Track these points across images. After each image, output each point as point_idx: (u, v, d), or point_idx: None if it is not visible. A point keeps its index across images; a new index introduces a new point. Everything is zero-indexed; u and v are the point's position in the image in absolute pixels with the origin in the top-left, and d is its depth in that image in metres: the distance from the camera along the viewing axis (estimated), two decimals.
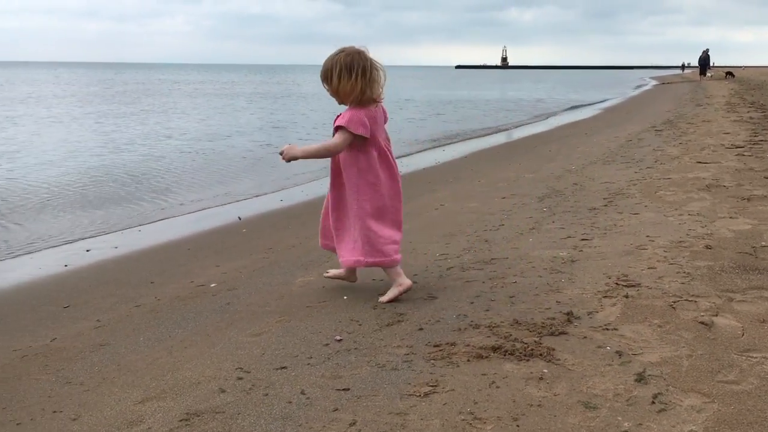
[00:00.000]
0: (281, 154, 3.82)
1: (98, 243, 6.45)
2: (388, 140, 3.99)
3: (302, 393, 2.75)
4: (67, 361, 3.31)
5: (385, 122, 3.97)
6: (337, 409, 2.59)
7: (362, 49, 3.76)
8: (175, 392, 2.84)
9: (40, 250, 6.26)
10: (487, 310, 3.62)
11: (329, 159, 3.95)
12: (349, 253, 3.94)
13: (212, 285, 4.65)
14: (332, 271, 4.40)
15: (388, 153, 3.93)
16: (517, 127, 20.20)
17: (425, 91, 47.05)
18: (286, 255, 5.50)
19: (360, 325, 3.56)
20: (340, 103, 3.87)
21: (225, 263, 5.34)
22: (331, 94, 3.83)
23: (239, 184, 9.99)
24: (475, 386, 2.71)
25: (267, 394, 2.76)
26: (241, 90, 46.66)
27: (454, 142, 15.86)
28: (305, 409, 2.61)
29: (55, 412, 2.73)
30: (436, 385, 2.74)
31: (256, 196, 9.10)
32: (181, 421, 2.57)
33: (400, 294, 3.92)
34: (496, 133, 18.45)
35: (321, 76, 3.80)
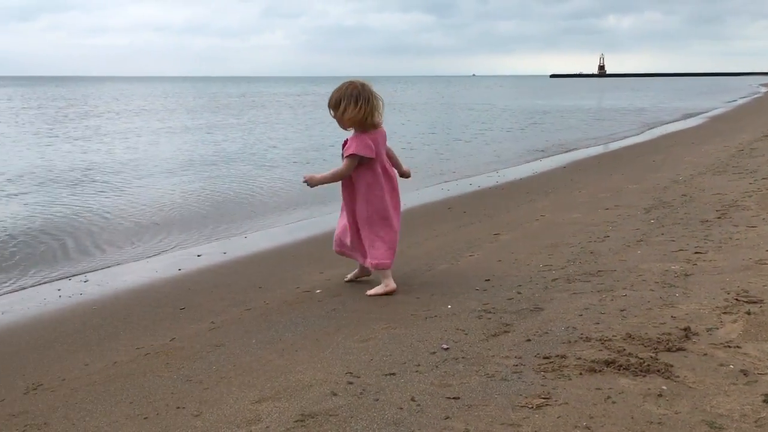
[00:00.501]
0: (305, 182, 4.44)
1: (208, 249, 6.72)
2: (391, 157, 4.59)
3: (412, 400, 2.77)
4: (187, 360, 3.47)
5: (384, 142, 4.51)
6: (448, 417, 2.60)
7: (366, 82, 4.36)
8: (289, 393, 2.93)
9: (158, 254, 6.59)
10: (598, 323, 3.53)
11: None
12: (362, 257, 4.64)
13: (317, 291, 4.77)
14: (350, 275, 4.95)
15: (388, 169, 4.51)
16: (617, 136, 19.60)
17: (521, 101, 46.46)
18: None
19: (466, 334, 3.55)
20: (343, 129, 4.44)
21: (327, 270, 5.45)
22: (336, 120, 4.38)
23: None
24: (590, 400, 2.65)
25: (378, 399, 2.80)
26: None
27: (552, 152, 15.57)
28: (416, 416, 2.63)
29: (178, 408, 2.87)
30: (548, 398, 2.69)
31: None
32: (296, 421, 2.64)
33: (385, 293, 4.48)
34: (596, 142, 17.97)
35: (330, 104, 4.39)
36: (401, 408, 2.70)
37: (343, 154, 4.42)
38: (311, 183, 4.43)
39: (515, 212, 7.72)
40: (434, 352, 3.31)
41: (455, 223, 7.28)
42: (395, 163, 4.65)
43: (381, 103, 4.36)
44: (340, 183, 4.51)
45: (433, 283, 4.75)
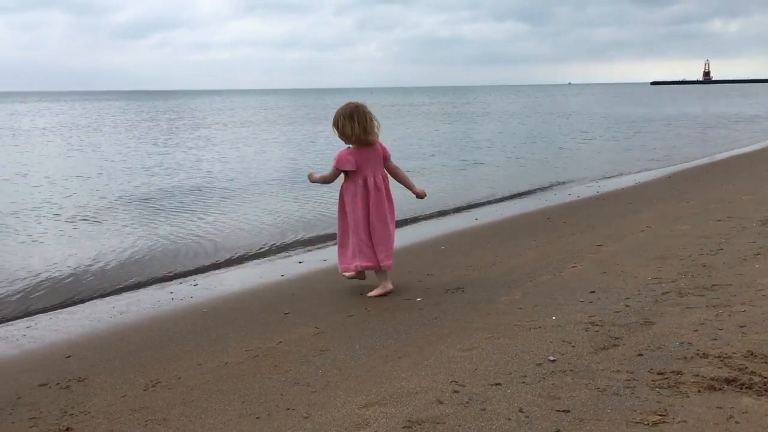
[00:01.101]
0: (309, 177, 5.11)
1: (309, 256, 6.88)
2: (399, 178, 5.08)
3: (520, 411, 2.73)
4: (294, 363, 3.56)
5: (386, 159, 4.98)
6: (559, 431, 2.54)
7: (361, 104, 4.91)
8: (395, 400, 2.95)
9: (261, 260, 6.80)
10: (715, 340, 3.36)
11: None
12: (349, 260, 5.05)
13: (418, 299, 4.78)
14: (347, 274, 5.30)
15: (376, 183, 4.91)
16: (728, 145, 18.66)
17: (621, 108, 45.05)
18: (487, 273, 5.51)
19: (573, 346, 3.46)
20: (345, 143, 4.93)
21: (427, 279, 5.46)
22: (339, 137, 4.90)
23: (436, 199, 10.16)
24: (710, 419, 2.53)
25: (485, 409, 2.77)
26: (431, 110, 47.63)
27: (656, 161, 15.00)
28: (525, 428, 2.59)
29: (288, 409, 2.95)
30: (665, 415, 2.59)
31: (455, 210, 9.21)
32: (404, 428, 2.66)
33: (383, 294, 4.93)
34: (704, 151, 17.19)
35: (333, 123, 4.91)
36: (509, 419, 2.67)
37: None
38: (310, 179, 5.09)
39: (618, 223, 7.48)
40: (540, 364, 3.25)
41: (556, 234, 7.13)
42: (405, 184, 5.14)
43: (375, 123, 4.87)
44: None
45: (535, 293, 4.67)
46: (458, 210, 9.45)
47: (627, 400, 2.76)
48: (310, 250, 7.18)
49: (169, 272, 6.26)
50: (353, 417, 2.80)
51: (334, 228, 8.23)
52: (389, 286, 5.01)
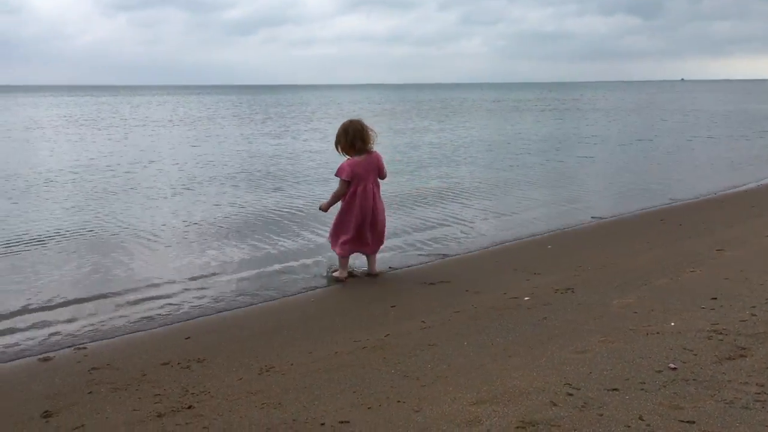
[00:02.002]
0: (320, 209, 5.88)
1: (419, 250, 6.88)
2: (374, 182, 5.61)
3: (641, 419, 2.63)
4: (402, 356, 3.58)
5: (373, 168, 5.57)
6: None
7: (356, 119, 5.59)
8: (507, 399, 2.90)
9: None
10: None
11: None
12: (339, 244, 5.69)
13: (525, 298, 4.69)
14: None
15: (372, 189, 5.56)
16: None
17: (742, 106, 42.54)
18: (598, 274, 5.35)
19: (695, 355, 3.30)
20: (345, 156, 5.58)
21: (534, 278, 5.36)
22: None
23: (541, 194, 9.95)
24: None
25: (602, 415, 2.68)
26: (538, 106, 46.66)
27: None
28: None
29: (398, 401, 2.96)
30: None
31: (572, 216, 8.97)
32: (517, 428, 2.61)
33: (337, 279, 5.60)
34: None
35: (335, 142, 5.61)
36: (629, 426, 2.57)
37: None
38: (324, 209, 5.79)
39: (739, 227, 7.07)
40: (660, 371, 3.11)
41: (671, 236, 6.82)
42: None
43: (371, 134, 5.53)
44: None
45: (651, 297, 4.48)
46: (565, 208, 9.19)
47: (758, 414, 2.60)
48: (423, 244, 7.17)
49: (286, 262, 6.42)
50: (464, 413, 2.78)
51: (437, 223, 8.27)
52: (345, 273, 5.65)
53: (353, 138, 5.47)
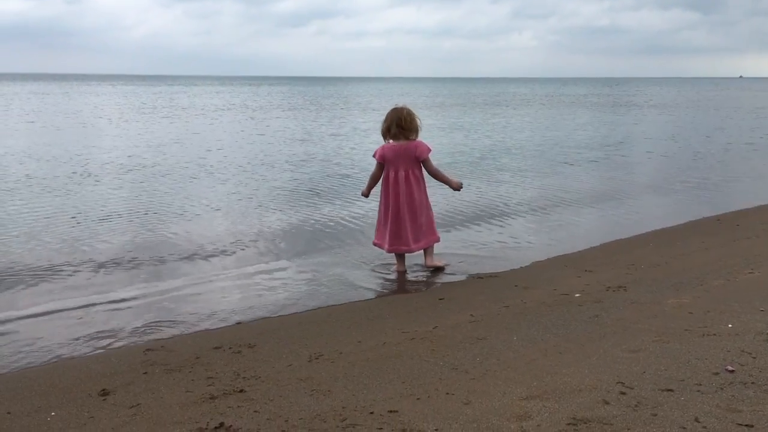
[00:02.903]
0: (362, 194, 5.87)
1: (471, 239, 6.85)
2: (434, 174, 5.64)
3: (696, 420, 2.57)
4: (451, 349, 3.57)
5: (406, 154, 5.49)
6: None
7: (401, 106, 5.61)
8: (558, 395, 2.87)
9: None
10: None
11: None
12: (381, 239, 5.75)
13: (576, 295, 4.63)
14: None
15: (403, 178, 5.49)
16: None
17: None
18: (651, 273, 5.24)
19: (754, 358, 3.21)
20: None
21: (585, 275, 5.28)
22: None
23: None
24: None
25: (656, 415, 2.63)
26: (592, 101, 45.80)
27: None
28: None
29: (447, 393, 2.96)
30: None
31: (624, 213, 8.80)
32: (568, 424, 2.58)
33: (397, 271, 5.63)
34: None
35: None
36: (684, 428, 2.52)
37: None
38: (364, 194, 5.83)
39: None
40: (717, 373, 3.03)
41: (727, 236, 6.63)
42: (441, 180, 5.69)
43: (412, 122, 5.51)
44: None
45: (707, 298, 4.38)
46: (616, 204, 9.01)
47: None
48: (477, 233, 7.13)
49: (330, 252, 6.46)
50: (515, 408, 2.76)
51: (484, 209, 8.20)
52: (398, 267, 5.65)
53: (390, 123, 5.52)
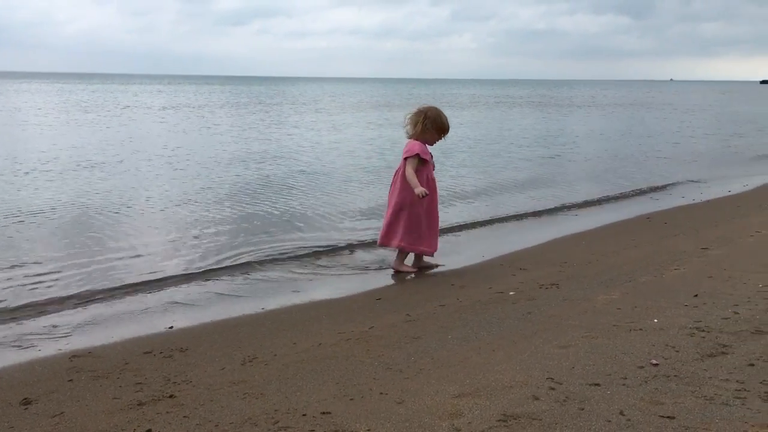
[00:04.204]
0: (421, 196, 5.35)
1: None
2: (400, 167, 5.53)
3: (621, 413, 2.64)
4: (386, 348, 3.57)
5: (405, 153, 5.46)
6: None
7: (425, 107, 5.58)
8: (489, 392, 2.90)
9: (359, 245, 6.86)
10: None
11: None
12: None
13: (511, 293, 4.70)
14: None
15: (400, 174, 5.50)
16: None
17: (730, 108, 42.83)
18: (583, 270, 5.37)
19: (677, 351, 3.32)
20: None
21: (520, 273, 5.37)
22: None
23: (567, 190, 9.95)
24: None
25: (583, 409, 2.69)
26: (532, 102, 46.71)
27: (765, 164, 14.17)
28: (626, 431, 2.49)
29: (381, 393, 2.96)
30: None
31: (560, 213, 8.99)
32: (498, 421, 2.61)
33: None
34: None
35: None
36: (609, 421, 2.58)
37: None
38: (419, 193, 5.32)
39: (725, 227, 7.11)
40: (642, 367, 3.12)
41: (656, 234, 6.86)
42: (409, 182, 5.45)
43: (407, 122, 5.56)
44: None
45: (635, 294, 4.50)
46: (551, 207, 9.20)
47: (737, 410, 2.61)
48: None
49: (271, 254, 6.39)
50: (447, 406, 2.78)
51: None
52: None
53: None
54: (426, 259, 5.73)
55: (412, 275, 5.55)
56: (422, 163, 5.44)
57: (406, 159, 5.41)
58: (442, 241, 6.07)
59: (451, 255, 6.13)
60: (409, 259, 5.72)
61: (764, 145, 18.31)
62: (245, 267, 5.81)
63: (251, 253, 6.23)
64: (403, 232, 5.49)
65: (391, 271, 5.64)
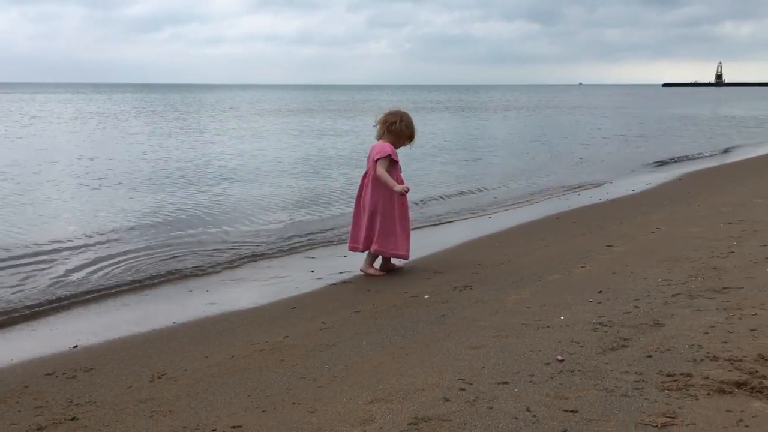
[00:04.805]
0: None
1: (319, 252, 6.86)
2: (370, 170, 5.54)
3: (528, 410, 2.71)
4: (300, 358, 3.55)
5: (371, 158, 5.49)
6: (566, 430, 2.52)
7: (392, 110, 5.65)
8: (402, 396, 2.93)
9: (280, 253, 6.78)
10: (725, 342, 3.32)
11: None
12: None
13: (425, 296, 4.77)
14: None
15: (368, 179, 5.53)
16: (739, 147, 18.55)
17: (635, 110, 44.86)
18: (495, 271, 5.50)
19: (581, 347, 3.44)
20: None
21: (436, 276, 5.45)
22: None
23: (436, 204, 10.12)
24: (720, 423, 2.50)
25: (491, 408, 2.75)
26: (450, 107, 47.48)
27: (667, 163, 14.93)
28: (533, 427, 2.56)
29: (294, 403, 2.94)
30: (674, 417, 2.56)
31: (475, 215, 9.16)
32: (410, 424, 2.64)
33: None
34: (715, 153, 17.11)
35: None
36: (516, 418, 2.65)
37: None
38: (400, 191, 5.43)
39: (628, 224, 7.43)
40: (548, 363, 3.22)
41: (565, 234, 7.10)
42: (384, 183, 5.46)
43: (377, 121, 5.60)
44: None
45: (544, 293, 4.65)
46: (468, 209, 9.39)
47: (635, 401, 2.73)
48: (321, 245, 7.15)
49: (179, 268, 6.24)
50: (359, 413, 2.78)
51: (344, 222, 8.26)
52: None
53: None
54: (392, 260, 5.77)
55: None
56: (392, 165, 5.48)
57: (377, 160, 5.38)
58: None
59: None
60: (375, 262, 5.72)
61: (666, 145, 19.27)
62: (157, 280, 5.65)
63: (166, 265, 6.07)
64: (378, 236, 5.50)
65: (307, 279, 5.61)
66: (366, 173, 5.59)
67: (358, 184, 5.67)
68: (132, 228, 7.82)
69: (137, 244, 6.99)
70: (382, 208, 5.48)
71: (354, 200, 5.72)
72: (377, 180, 5.41)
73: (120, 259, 6.38)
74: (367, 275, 5.59)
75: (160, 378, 3.37)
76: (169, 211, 8.88)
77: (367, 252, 5.63)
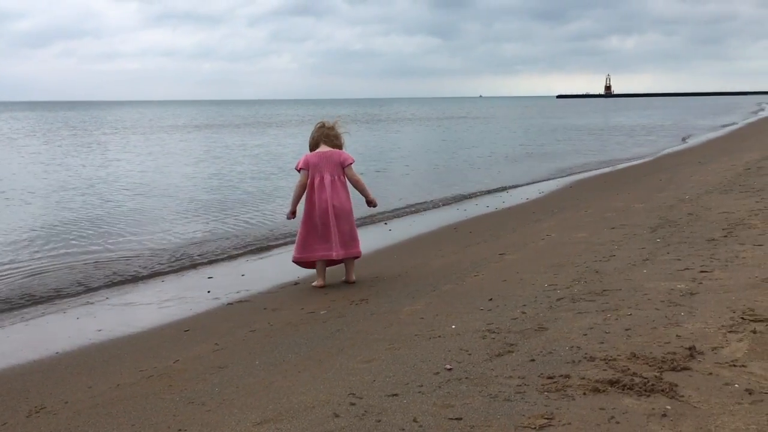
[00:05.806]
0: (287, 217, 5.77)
1: (218, 270, 6.73)
2: (334, 174, 5.56)
3: (414, 421, 2.75)
4: (190, 382, 3.47)
5: (327, 162, 5.54)
6: None
7: (326, 121, 5.76)
8: (291, 415, 2.91)
9: (167, 274, 6.59)
10: (602, 343, 3.50)
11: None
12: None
13: (322, 312, 4.76)
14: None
15: (329, 182, 5.49)
16: (625, 155, 19.60)
17: (531, 120, 46.57)
18: (392, 284, 5.56)
19: (469, 354, 3.53)
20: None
21: (333, 291, 5.46)
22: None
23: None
24: (593, 421, 2.63)
25: (380, 421, 2.78)
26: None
27: (559, 172, 15.58)
28: None
29: (179, 430, 2.86)
30: (551, 418, 2.67)
31: (375, 224, 9.22)
32: None
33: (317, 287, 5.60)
34: (603, 162, 18.00)
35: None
36: (403, 429, 2.68)
37: None
38: (289, 215, 5.72)
39: (521, 232, 7.70)
40: (437, 373, 3.29)
41: (461, 244, 7.27)
42: (361, 189, 5.70)
43: (331, 132, 5.66)
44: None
45: (437, 303, 4.74)
46: (368, 220, 9.46)
47: (517, 405, 2.83)
48: (222, 261, 7.02)
49: (68, 290, 5.97)
50: None
51: (246, 239, 8.15)
52: (321, 282, 5.67)
53: (318, 137, 5.63)
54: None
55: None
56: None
57: (350, 165, 5.61)
58: (254, 266, 6.02)
59: (262, 280, 6.09)
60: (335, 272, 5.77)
61: (559, 154, 20.12)
62: (41, 305, 5.38)
63: (49, 289, 5.79)
64: (354, 238, 5.71)
65: (203, 299, 5.49)
66: (322, 178, 5.52)
67: (293, 194, 5.62)
68: (13, 242, 7.41)
69: (21, 262, 6.63)
70: (352, 212, 5.68)
71: (288, 212, 5.72)
72: (346, 185, 5.62)
73: (3, 278, 6.03)
74: (316, 287, 5.61)
75: (38, 412, 3.21)
76: (67, 228, 8.48)
77: (321, 263, 5.65)
